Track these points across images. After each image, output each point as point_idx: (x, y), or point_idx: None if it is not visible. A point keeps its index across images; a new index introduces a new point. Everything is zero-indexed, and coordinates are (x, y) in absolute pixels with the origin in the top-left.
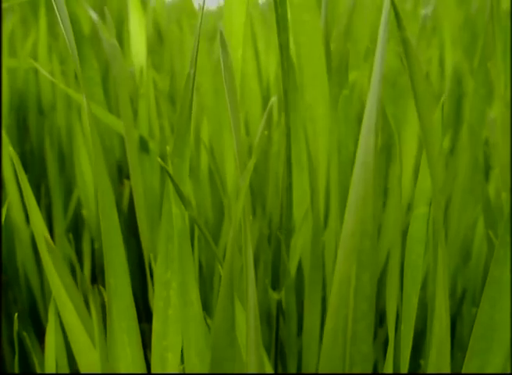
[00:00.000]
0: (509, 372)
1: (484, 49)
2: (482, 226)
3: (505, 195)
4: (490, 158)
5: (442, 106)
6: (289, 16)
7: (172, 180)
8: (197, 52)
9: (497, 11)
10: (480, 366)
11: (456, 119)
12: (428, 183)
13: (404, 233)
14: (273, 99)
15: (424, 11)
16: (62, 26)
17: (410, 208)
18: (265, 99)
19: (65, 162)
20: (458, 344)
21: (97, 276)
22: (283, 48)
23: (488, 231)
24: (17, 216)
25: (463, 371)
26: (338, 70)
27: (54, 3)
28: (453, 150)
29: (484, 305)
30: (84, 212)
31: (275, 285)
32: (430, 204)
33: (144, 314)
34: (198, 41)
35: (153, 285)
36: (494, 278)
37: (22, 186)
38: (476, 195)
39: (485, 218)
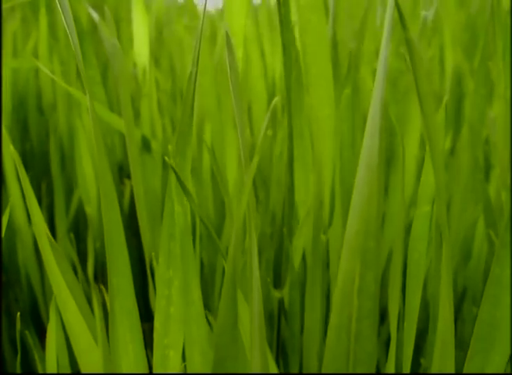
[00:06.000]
0: (510, 372)
1: (484, 49)
2: (483, 226)
3: (505, 195)
4: (491, 157)
5: (446, 106)
6: (295, 16)
7: (177, 176)
8: (198, 52)
9: (498, 10)
10: (481, 366)
11: (457, 119)
12: (431, 182)
13: (407, 232)
14: (276, 99)
15: (424, 11)
16: (64, 22)
17: (412, 206)
18: (271, 99)
19: (66, 162)
20: (459, 343)
21: (99, 276)
22: (286, 48)
23: (488, 230)
24: (19, 215)
25: (464, 370)
26: (344, 71)
27: (57, 1)
28: (453, 150)
29: (485, 305)
30: (88, 209)
31: (277, 283)
32: (433, 202)
33: (145, 313)
34: (200, 41)
35: (154, 284)
36: (495, 277)
37: (23, 185)
38: (476, 195)
39: (486, 217)
